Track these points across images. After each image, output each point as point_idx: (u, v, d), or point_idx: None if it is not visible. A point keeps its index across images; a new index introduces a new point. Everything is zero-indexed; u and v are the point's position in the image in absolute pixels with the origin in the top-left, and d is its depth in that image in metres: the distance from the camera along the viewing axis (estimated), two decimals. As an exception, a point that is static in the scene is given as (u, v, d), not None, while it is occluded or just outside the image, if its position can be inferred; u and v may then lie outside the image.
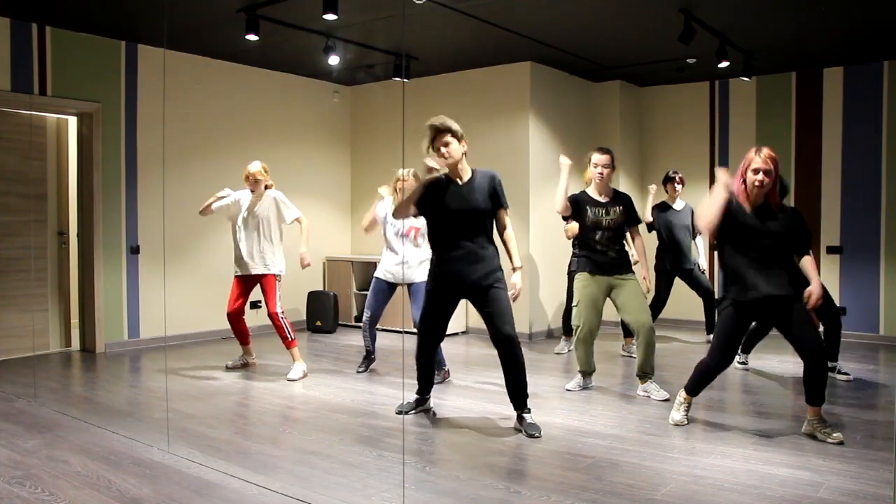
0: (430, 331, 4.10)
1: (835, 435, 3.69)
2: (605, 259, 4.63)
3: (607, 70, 7.21)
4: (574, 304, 4.70)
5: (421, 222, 4.94)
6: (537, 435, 3.80)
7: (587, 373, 4.80)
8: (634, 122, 7.93)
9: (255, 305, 7.11)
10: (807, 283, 3.77)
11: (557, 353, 6.21)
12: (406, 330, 6.92)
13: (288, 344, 5.21)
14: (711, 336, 6.42)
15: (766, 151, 3.72)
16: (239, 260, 5.29)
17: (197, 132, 6.74)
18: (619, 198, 4.75)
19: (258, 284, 5.31)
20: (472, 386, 4.95)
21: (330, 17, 4.89)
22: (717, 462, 3.38)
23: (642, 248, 4.87)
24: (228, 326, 5.43)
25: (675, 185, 6.14)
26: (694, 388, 4.01)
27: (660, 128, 7.93)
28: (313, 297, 7.39)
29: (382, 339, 6.92)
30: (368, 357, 5.44)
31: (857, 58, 6.53)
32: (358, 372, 5.39)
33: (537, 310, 7.05)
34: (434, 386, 4.92)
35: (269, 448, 3.65)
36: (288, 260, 5.54)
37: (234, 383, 5.05)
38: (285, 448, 3.66)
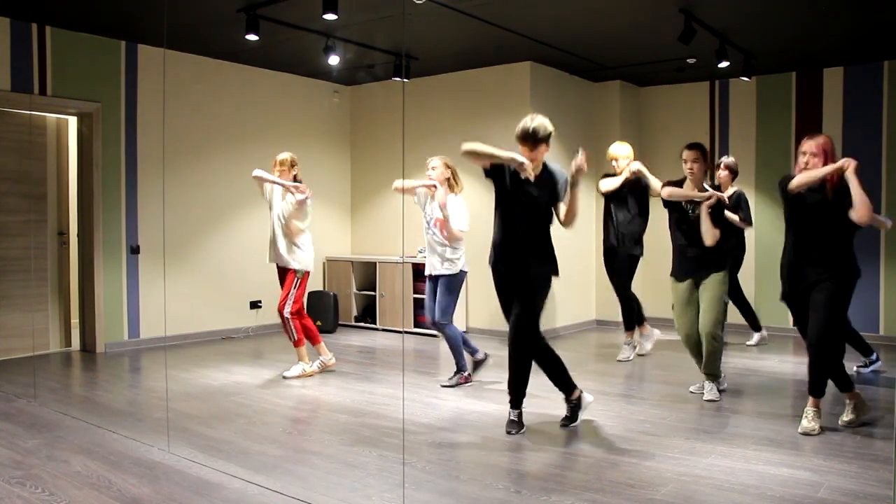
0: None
1: (807, 425, 3.77)
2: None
3: (607, 70, 7.21)
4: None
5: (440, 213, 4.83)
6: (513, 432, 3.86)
7: (708, 376, 4.61)
8: (634, 122, 7.93)
9: (254, 305, 7.11)
10: (847, 268, 3.97)
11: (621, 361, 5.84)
12: (406, 330, 6.93)
13: (293, 344, 5.21)
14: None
15: (818, 136, 3.91)
16: (270, 248, 5.27)
17: (197, 132, 6.74)
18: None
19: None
20: (472, 385, 4.95)
21: (330, 16, 4.89)
22: (717, 462, 3.38)
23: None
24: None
25: (720, 171, 5.84)
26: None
27: (660, 128, 7.92)
28: (313, 297, 7.39)
29: (383, 339, 6.93)
30: (477, 363, 5.07)
31: (857, 58, 6.53)
32: (442, 386, 4.98)
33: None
34: (453, 387, 4.91)
35: (269, 448, 3.65)
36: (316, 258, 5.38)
37: (235, 383, 5.05)
38: (285, 448, 3.66)
